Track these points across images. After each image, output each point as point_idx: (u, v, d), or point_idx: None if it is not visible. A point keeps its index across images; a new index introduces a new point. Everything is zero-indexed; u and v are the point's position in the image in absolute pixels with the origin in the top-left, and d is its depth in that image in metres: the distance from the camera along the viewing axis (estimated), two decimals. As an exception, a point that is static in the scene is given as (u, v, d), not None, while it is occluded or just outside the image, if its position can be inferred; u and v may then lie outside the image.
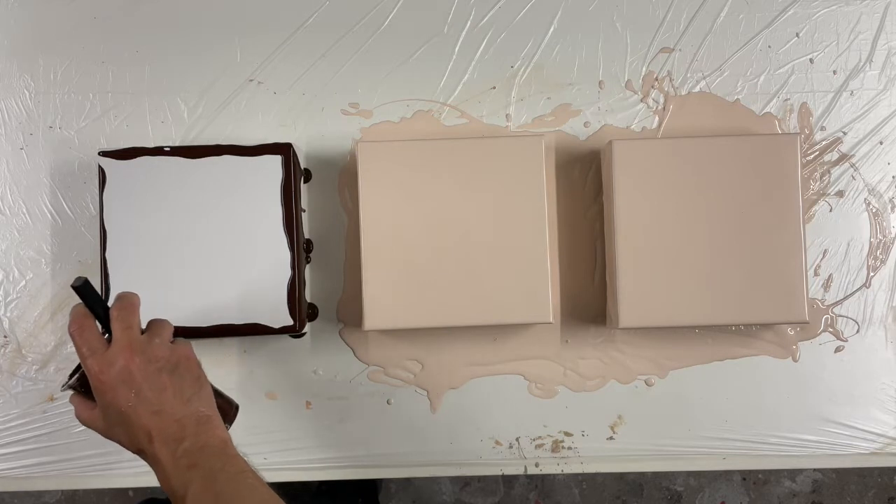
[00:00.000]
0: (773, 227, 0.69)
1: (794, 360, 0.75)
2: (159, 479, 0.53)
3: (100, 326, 0.55)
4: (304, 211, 0.75)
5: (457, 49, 0.76)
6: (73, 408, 0.57)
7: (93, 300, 0.54)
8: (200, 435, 0.53)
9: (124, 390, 0.52)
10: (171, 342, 0.56)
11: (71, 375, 0.56)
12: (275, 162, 0.70)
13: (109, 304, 0.55)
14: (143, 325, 0.57)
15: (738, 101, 0.76)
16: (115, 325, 0.54)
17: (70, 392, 0.57)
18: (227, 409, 0.60)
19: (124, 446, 0.55)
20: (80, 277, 0.53)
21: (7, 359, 0.75)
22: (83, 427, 0.73)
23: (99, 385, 0.53)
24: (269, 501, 0.52)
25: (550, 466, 0.75)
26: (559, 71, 0.76)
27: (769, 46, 0.76)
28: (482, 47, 0.76)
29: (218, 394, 0.59)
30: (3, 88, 0.76)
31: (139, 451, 0.54)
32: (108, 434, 0.55)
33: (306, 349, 0.74)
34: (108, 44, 0.76)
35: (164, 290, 0.69)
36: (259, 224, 0.69)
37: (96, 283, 0.70)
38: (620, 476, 1.48)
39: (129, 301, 0.55)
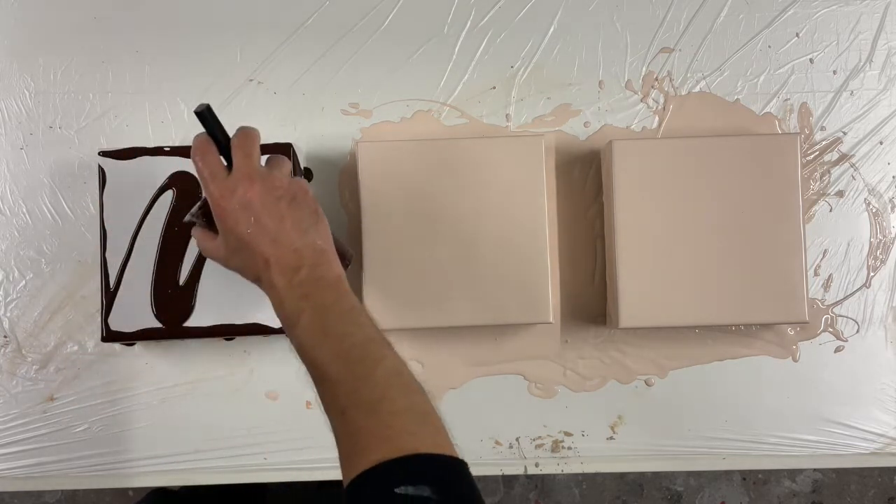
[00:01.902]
0: (773, 227, 0.69)
1: (794, 360, 0.75)
2: (274, 305, 0.53)
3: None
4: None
5: (457, 49, 0.76)
6: (197, 242, 0.58)
7: (215, 128, 0.54)
8: (316, 267, 0.53)
9: (244, 216, 0.52)
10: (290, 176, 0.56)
11: (193, 208, 0.57)
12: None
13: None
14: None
15: (738, 101, 0.76)
16: (236, 153, 0.54)
17: (192, 224, 0.58)
18: (344, 252, 0.60)
19: (242, 274, 0.55)
20: (202, 103, 0.54)
21: (7, 359, 0.75)
22: (83, 427, 0.74)
23: (220, 211, 0.53)
24: (374, 339, 0.52)
25: (550, 466, 0.75)
26: (559, 71, 0.76)
27: (769, 46, 0.76)
28: (482, 47, 0.76)
29: (336, 239, 0.59)
30: (3, 88, 0.76)
31: (256, 279, 0.54)
32: (227, 262, 0.56)
33: (306, 349, 0.74)
34: (108, 44, 0.76)
35: (173, 289, 0.69)
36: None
37: (96, 283, 0.70)
38: (620, 476, 1.48)
39: (251, 131, 0.55)
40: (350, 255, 0.61)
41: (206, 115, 0.54)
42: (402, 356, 0.52)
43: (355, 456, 0.46)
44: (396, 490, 0.43)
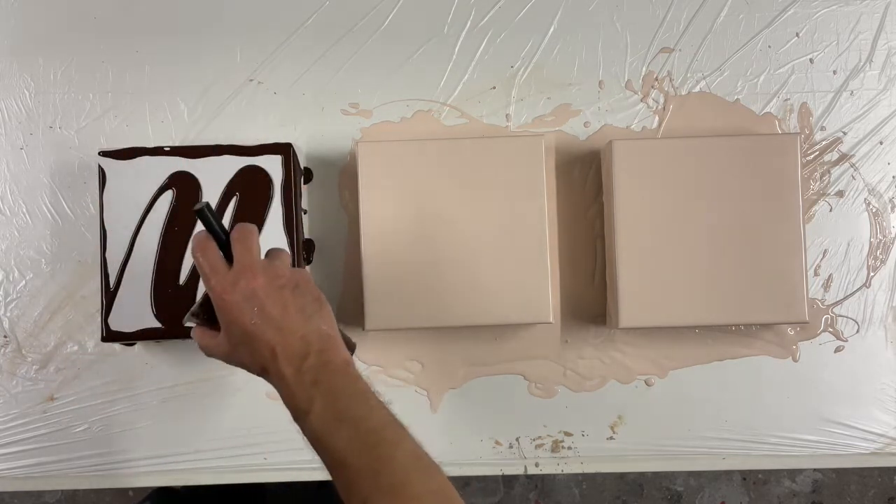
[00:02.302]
0: (773, 227, 0.69)
1: (794, 360, 0.75)
2: (283, 397, 0.53)
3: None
4: (306, 212, 0.75)
5: (457, 49, 0.76)
6: (198, 342, 0.57)
7: (214, 224, 0.55)
8: (323, 352, 0.53)
9: (247, 308, 0.52)
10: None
11: (194, 307, 0.57)
12: (275, 162, 0.70)
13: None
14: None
15: (738, 101, 0.76)
16: (236, 248, 0.54)
17: (193, 325, 0.57)
18: (347, 340, 0.60)
19: (248, 368, 0.55)
20: (202, 202, 0.54)
21: (7, 359, 0.75)
22: (83, 427, 0.74)
23: (222, 304, 0.53)
24: (390, 422, 0.52)
25: (550, 466, 0.75)
26: (559, 71, 0.76)
27: (769, 46, 0.76)
28: (482, 47, 0.76)
29: (339, 328, 0.59)
30: (3, 88, 0.76)
31: (263, 371, 0.54)
32: (231, 357, 0.55)
33: (306, 349, 0.74)
34: (108, 44, 0.76)
35: (173, 289, 0.69)
36: (261, 225, 0.70)
37: (96, 283, 0.70)
38: (620, 476, 1.48)
39: (249, 226, 0.56)
40: (353, 344, 0.61)
41: (205, 212, 0.54)
42: (416, 438, 0.52)
43: None
44: None
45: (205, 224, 0.55)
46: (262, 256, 0.56)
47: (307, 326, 0.53)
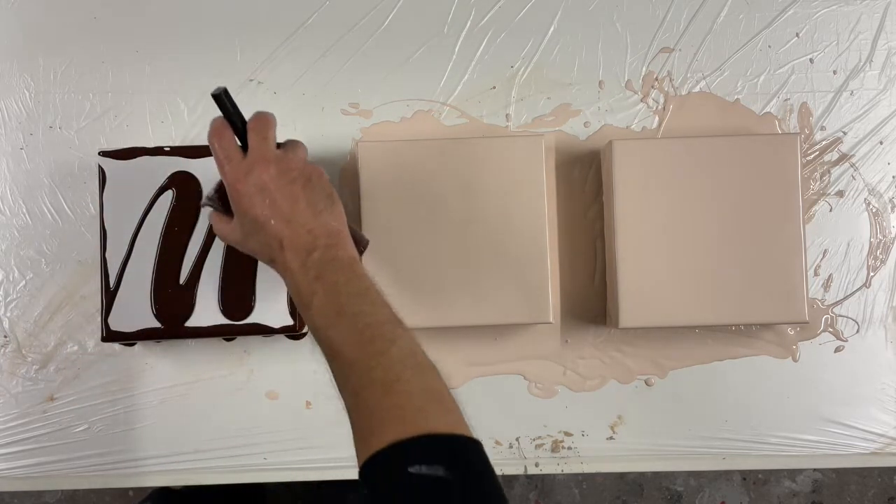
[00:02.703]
0: (773, 227, 0.69)
1: (794, 360, 0.75)
2: (289, 286, 0.54)
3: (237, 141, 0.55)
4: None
5: (457, 49, 0.76)
6: (213, 226, 0.58)
7: (231, 111, 0.55)
8: (330, 248, 0.53)
9: (259, 198, 0.53)
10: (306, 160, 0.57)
11: (209, 191, 0.58)
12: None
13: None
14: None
15: (738, 101, 0.76)
16: (251, 136, 0.54)
17: (208, 207, 0.58)
18: (359, 238, 0.60)
19: (258, 256, 0.56)
20: (219, 87, 0.54)
21: (7, 359, 0.75)
22: (83, 427, 0.74)
23: (235, 193, 0.54)
24: (389, 319, 0.52)
25: (550, 466, 0.75)
26: (559, 71, 0.76)
27: (769, 46, 0.76)
28: (482, 47, 0.76)
29: (350, 225, 0.59)
30: (3, 88, 0.76)
31: (271, 261, 0.54)
32: (243, 245, 0.56)
33: (306, 349, 0.74)
34: (108, 44, 0.76)
35: (173, 289, 0.69)
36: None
37: (96, 283, 0.70)
38: (620, 476, 1.48)
39: (267, 115, 0.56)
40: (365, 240, 0.61)
41: (222, 98, 0.54)
42: (415, 337, 0.52)
43: (369, 436, 0.46)
44: (410, 469, 0.43)
45: (222, 110, 0.55)
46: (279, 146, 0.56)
47: (316, 221, 0.54)
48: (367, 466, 0.46)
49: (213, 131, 0.55)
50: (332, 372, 0.51)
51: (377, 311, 0.52)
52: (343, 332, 0.50)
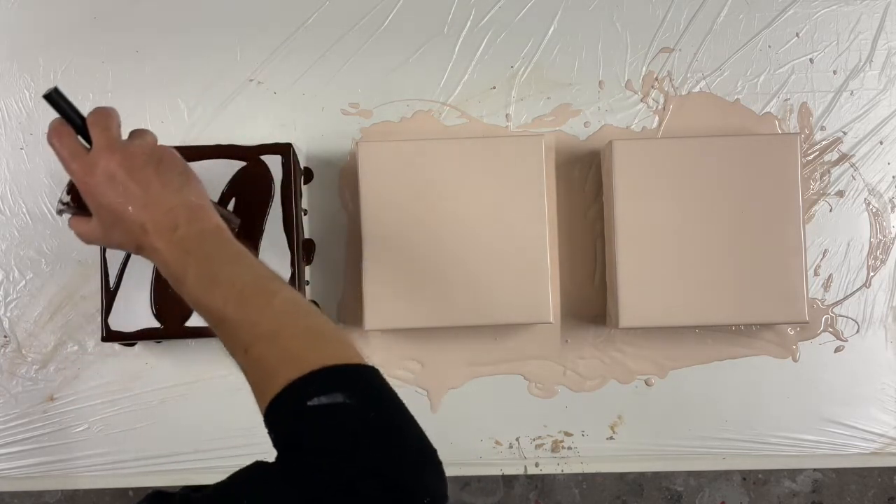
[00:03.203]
0: (773, 227, 0.69)
1: (794, 360, 0.75)
2: (160, 268, 0.53)
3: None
4: (306, 212, 0.75)
5: (457, 49, 0.76)
6: (73, 230, 0.57)
7: (68, 109, 0.54)
8: (194, 222, 0.53)
9: (111, 188, 0.52)
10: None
11: (61, 195, 0.57)
12: (275, 162, 0.70)
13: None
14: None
15: (738, 101, 0.76)
16: (93, 130, 0.54)
17: (68, 217, 0.57)
18: (229, 218, 0.60)
19: (125, 248, 0.55)
20: (50, 87, 0.53)
21: (7, 359, 0.75)
22: (83, 427, 0.74)
23: (86, 188, 0.53)
24: (265, 275, 0.52)
25: (550, 466, 0.75)
26: (559, 71, 0.76)
27: (769, 46, 0.76)
28: (482, 47, 0.76)
29: (217, 206, 0.58)
30: (3, 88, 0.76)
31: (138, 248, 0.54)
32: (108, 241, 0.55)
33: (306, 349, 0.74)
34: (108, 44, 0.76)
35: (173, 289, 0.69)
36: (261, 224, 0.70)
37: (96, 283, 0.70)
38: (620, 476, 1.48)
39: (106, 108, 0.55)
40: (236, 220, 0.61)
41: (54, 97, 0.53)
42: (294, 289, 0.52)
43: (265, 385, 0.47)
44: (309, 403, 0.44)
45: (57, 110, 0.54)
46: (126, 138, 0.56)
47: (174, 199, 0.53)
48: (269, 413, 0.46)
49: (52, 131, 0.54)
50: (221, 338, 0.51)
51: (253, 271, 0.52)
52: (222, 297, 0.50)
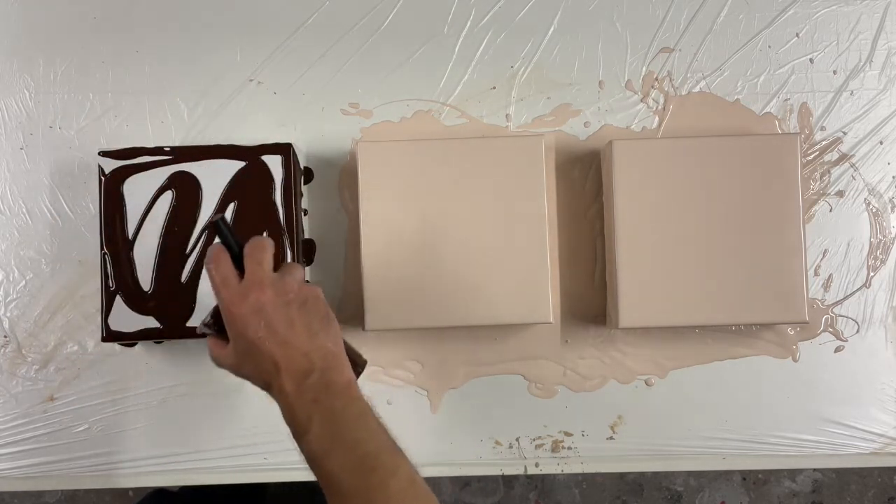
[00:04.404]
0: (773, 227, 0.69)
1: (794, 360, 0.75)
2: (283, 412, 0.53)
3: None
4: (306, 212, 0.75)
5: (457, 49, 0.76)
6: (209, 350, 0.58)
7: (228, 238, 0.55)
8: (327, 371, 0.53)
9: (254, 321, 0.53)
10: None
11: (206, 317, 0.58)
12: (275, 162, 0.70)
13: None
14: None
15: (738, 101, 0.76)
16: (247, 262, 0.55)
17: (207, 335, 0.58)
18: (356, 359, 0.60)
19: (253, 381, 0.55)
20: (219, 214, 0.55)
21: (7, 359, 0.75)
22: (83, 427, 0.74)
23: (230, 316, 0.54)
24: (387, 447, 0.52)
25: (550, 466, 0.75)
26: (559, 71, 0.76)
27: (769, 46, 0.76)
28: (482, 47, 0.76)
29: (348, 345, 0.59)
30: (3, 88, 0.76)
31: (266, 386, 0.54)
32: (238, 369, 0.56)
33: (306, 349, 0.74)
34: (108, 44, 0.76)
35: (173, 289, 0.69)
36: (261, 224, 0.70)
37: (96, 283, 0.70)
38: (620, 476, 1.48)
39: (263, 241, 0.56)
40: (363, 361, 0.61)
41: (220, 225, 0.55)
42: (413, 464, 0.52)
43: None
44: None
45: (220, 236, 0.56)
46: (276, 270, 0.56)
47: (312, 343, 0.54)
48: None
49: (212, 258, 0.55)
50: (330, 502, 0.51)
51: (376, 437, 0.52)
52: (341, 461, 0.50)
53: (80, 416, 0.74)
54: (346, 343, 0.58)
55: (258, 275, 0.54)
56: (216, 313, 0.57)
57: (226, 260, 0.55)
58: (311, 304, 0.55)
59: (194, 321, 0.69)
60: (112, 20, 0.76)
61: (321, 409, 0.52)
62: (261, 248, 0.55)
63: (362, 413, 0.53)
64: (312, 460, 0.51)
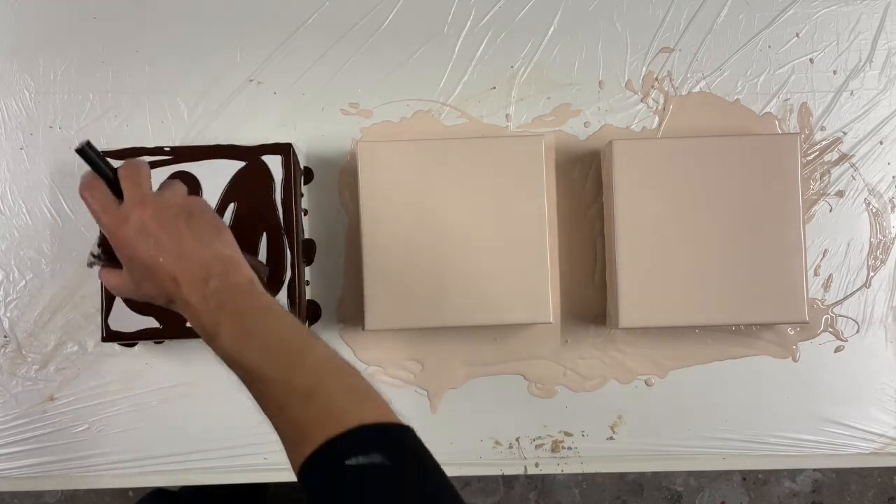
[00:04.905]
0: (773, 227, 0.69)
1: (794, 360, 0.75)
2: (191, 322, 0.53)
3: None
4: (306, 212, 0.75)
5: (457, 49, 0.76)
6: (103, 282, 0.57)
7: (98, 164, 0.54)
8: (226, 275, 0.53)
9: (143, 241, 0.52)
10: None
11: (92, 248, 0.57)
12: (275, 162, 0.70)
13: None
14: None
15: (738, 101, 0.76)
16: (124, 184, 0.54)
17: (97, 268, 0.57)
18: (257, 267, 0.60)
19: (156, 301, 0.55)
20: (82, 141, 0.53)
21: (7, 359, 0.75)
22: (83, 427, 0.74)
23: (117, 241, 0.53)
24: (298, 330, 0.52)
25: (550, 466, 0.75)
26: (559, 71, 0.76)
27: (769, 46, 0.76)
28: (482, 47, 0.76)
29: (246, 254, 0.58)
30: (3, 88, 0.76)
31: (169, 301, 0.54)
32: (138, 293, 0.55)
33: (306, 349, 0.74)
34: (108, 44, 0.76)
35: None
36: (261, 225, 0.70)
37: (96, 283, 0.70)
38: (620, 476, 1.48)
39: (136, 162, 0.55)
40: (264, 268, 0.61)
41: (86, 151, 0.53)
42: (327, 344, 0.52)
43: (301, 443, 0.47)
44: (347, 462, 0.44)
45: (89, 163, 0.54)
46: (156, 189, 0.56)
47: (206, 252, 0.53)
48: (305, 469, 0.46)
49: (84, 185, 0.54)
50: (252, 394, 0.51)
51: (285, 326, 0.52)
52: (255, 352, 0.50)
53: (80, 416, 0.74)
54: (247, 256, 0.58)
55: (137, 194, 0.53)
56: (102, 241, 0.56)
57: (100, 185, 0.54)
58: (198, 214, 0.55)
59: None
60: (112, 20, 0.76)
61: (227, 311, 0.52)
62: (136, 169, 0.54)
63: (268, 307, 0.53)
64: (228, 359, 0.52)
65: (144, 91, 0.76)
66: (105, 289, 0.69)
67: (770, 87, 0.76)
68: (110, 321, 0.69)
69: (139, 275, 0.53)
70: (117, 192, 0.54)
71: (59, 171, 0.75)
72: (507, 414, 0.75)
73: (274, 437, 0.74)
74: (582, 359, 0.75)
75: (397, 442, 0.46)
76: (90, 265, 0.57)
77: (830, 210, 0.76)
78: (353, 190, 0.73)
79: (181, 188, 0.57)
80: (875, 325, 0.75)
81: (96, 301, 0.71)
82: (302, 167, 0.75)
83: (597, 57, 0.76)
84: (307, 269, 0.75)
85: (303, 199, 0.75)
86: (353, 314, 0.74)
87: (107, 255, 0.56)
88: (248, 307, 0.53)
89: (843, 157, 0.76)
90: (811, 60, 0.76)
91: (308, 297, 0.75)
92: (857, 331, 0.75)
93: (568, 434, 0.75)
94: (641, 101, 0.76)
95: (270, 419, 0.50)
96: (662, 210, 0.69)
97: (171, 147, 0.70)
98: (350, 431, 0.45)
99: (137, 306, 0.68)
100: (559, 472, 0.75)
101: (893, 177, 0.76)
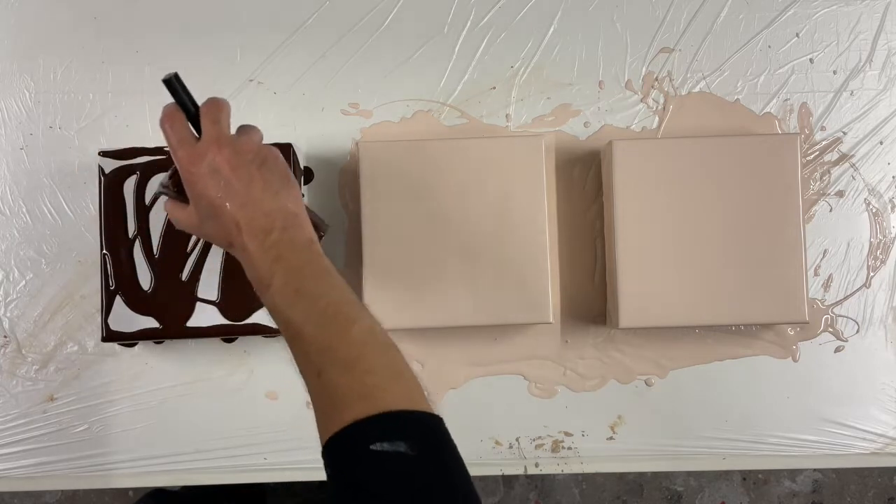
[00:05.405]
0: (773, 227, 0.69)
1: (794, 360, 0.75)
2: (246, 269, 0.54)
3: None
4: (305, 211, 0.75)
5: (457, 49, 0.76)
6: (168, 213, 0.58)
7: (184, 97, 0.54)
8: (288, 230, 0.53)
9: (213, 181, 0.52)
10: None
11: (163, 178, 0.57)
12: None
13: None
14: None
15: (738, 101, 0.76)
16: (204, 121, 0.54)
17: (165, 196, 0.57)
18: (318, 223, 0.60)
19: (215, 241, 0.55)
20: (170, 72, 0.54)
21: (7, 359, 0.75)
22: (83, 427, 0.74)
23: (189, 176, 0.53)
24: (349, 300, 0.52)
25: (550, 466, 0.75)
26: (559, 71, 0.76)
27: (769, 46, 0.76)
28: (482, 47, 0.76)
29: (309, 210, 0.59)
30: (3, 88, 0.76)
31: (229, 245, 0.54)
32: (200, 230, 0.56)
33: (306, 349, 0.74)
34: (108, 44, 0.76)
35: (173, 289, 0.69)
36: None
37: (96, 283, 0.70)
38: (620, 476, 1.48)
39: (219, 100, 0.55)
40: (325, 225, 0.61)
41: (174, 83, 0.54)
42: (375, 318, 0.52)
43: (331, 416, 0.47)
44: (372, 447, 0.44)
45: (174, 95, 0.54)
46: (234, 132, 0.56)
47: (272, 203, 0.53)
48: (330, 446, 0.46)
49: (165, 116, 0.54)
50: (293, 353, 0.51)
51: (337, 292, 0.53)
52: (303, 311, 0.51)
53: (80, 416, 0.74)
54: (308, 208, 0.58)
55: (215, 133, 0.53)
56: (174, 174, 0.56)
57: (181, 118, 0.54)
58: (270, 163, 0.55)
59: (194, 321, 0.69)
60: (112, 20, 0.76)
61: (283, 265, 0.52)
62: (217, 107, 0.55)
63: (325, 269, 0.53)
64: (276, 312, 0.52)
65: (144, 91, 0.76)
66: (105, 288, 0.69)
67: (770, 87, 0.76)
68: (110, 321, 0.69)
69: (204, 213, 0.54)
70: (197, 129, 0.54)
71: (59, 171, 0.75)
72: (506, 414, 0.75)
73: (274, 437, 0.74)
74: (582, 359, 0.75)
75: (423, 432, 0.47)
76: (157, 195, 0.57)
77: (830, 210, 0.76)
78: (353, 190, 0.73)
79: (258, 134, 0.57)
80: (875, 325, 0.75)
81: (96, 301, 0.71)
82: (302, 167, 0.75)
83: (597, 57, 0.76)
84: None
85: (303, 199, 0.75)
86: (353, 314, 0.74)
87: (176, 188, 0.56)
88: (304, 266, 0.53)
89: (843, 157, 0.76)
90: (811, 60, 0.76)
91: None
92: (857, 331, 0.75)
93: (568, 434, 0.75)
94: (641, 101, 0.76)
95: (306, 381, 0.50)
96: (662, 210, 0.70)
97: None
98: (380, 416, 0.45)
99: (137, 306, 0.68)
100: (559, 472, 0.75)
101: (893, 177, 0.76)
